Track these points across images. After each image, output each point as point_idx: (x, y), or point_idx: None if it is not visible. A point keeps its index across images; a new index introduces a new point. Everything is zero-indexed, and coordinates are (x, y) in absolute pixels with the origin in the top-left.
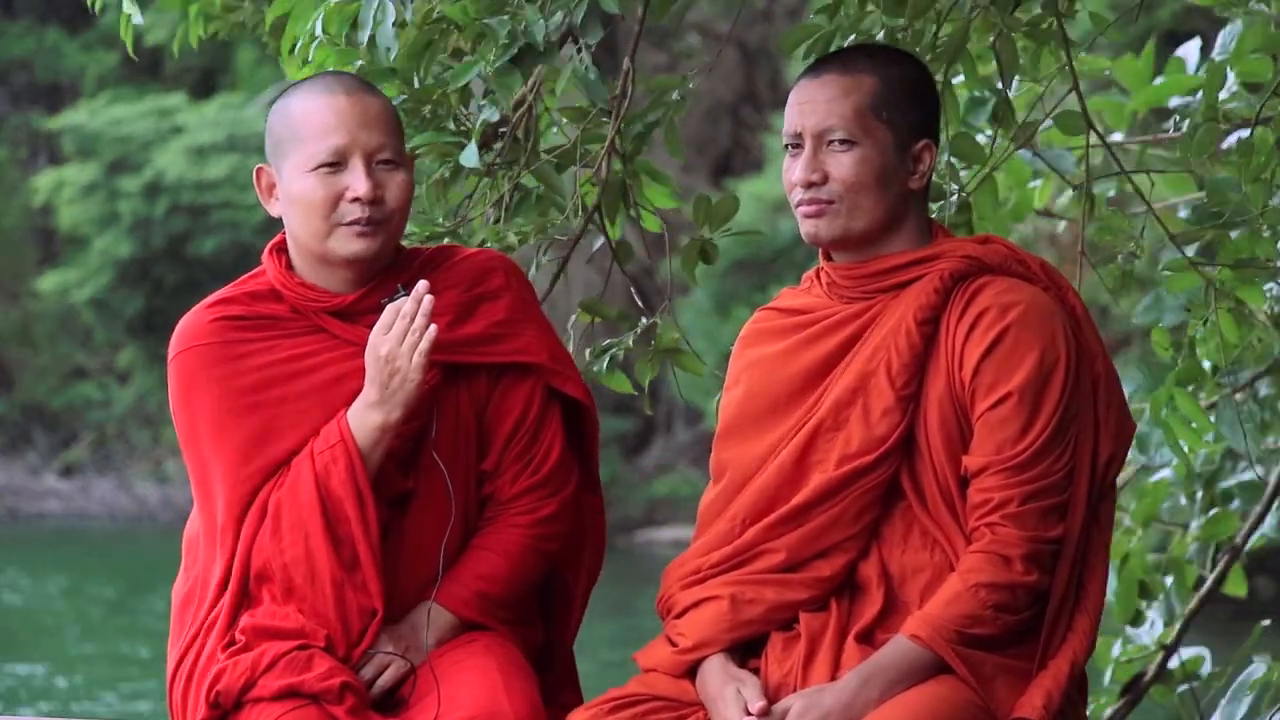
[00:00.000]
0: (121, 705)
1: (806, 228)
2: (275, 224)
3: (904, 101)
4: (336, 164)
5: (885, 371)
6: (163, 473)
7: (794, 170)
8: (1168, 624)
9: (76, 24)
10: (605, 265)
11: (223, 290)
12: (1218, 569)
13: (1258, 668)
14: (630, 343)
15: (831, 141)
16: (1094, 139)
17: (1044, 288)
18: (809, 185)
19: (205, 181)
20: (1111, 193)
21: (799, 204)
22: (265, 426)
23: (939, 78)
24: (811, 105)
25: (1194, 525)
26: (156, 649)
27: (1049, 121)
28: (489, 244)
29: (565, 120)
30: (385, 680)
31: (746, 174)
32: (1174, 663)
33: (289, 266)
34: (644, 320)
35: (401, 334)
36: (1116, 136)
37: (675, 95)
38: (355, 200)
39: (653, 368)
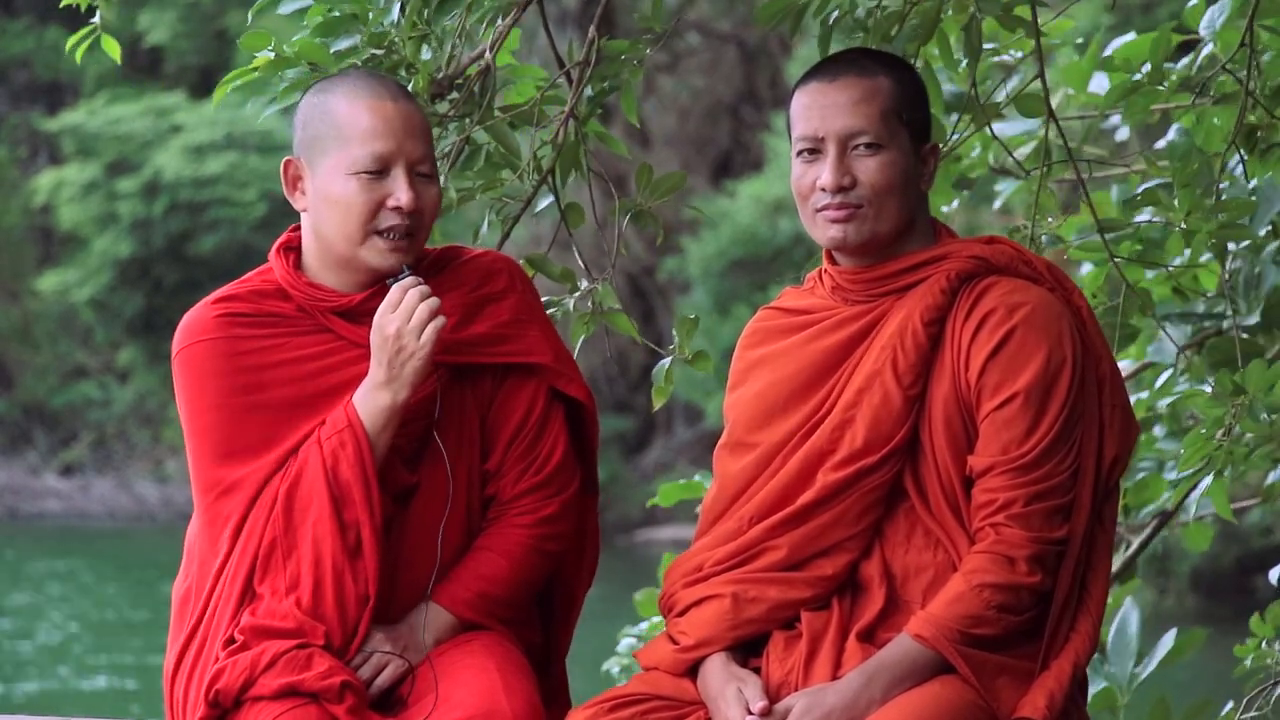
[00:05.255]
0: (120, 703)
1: (833, 232)
2: (274, 221)
3: (915, 104)
4: (379, 171)
5: (892, 371)
6: (163, 472)
7: (817, 174)
8: None
9: (76, 22)
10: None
11: (227, 287)
12: (1144, 534)
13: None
14: (571, 305)
15: (858, 145)
16: (1055, 130)
17: (1050, 289)
18: (840, 189)
19: (203, 179)
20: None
21: (824, 208)
22: (271, 425)
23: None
24: (834, 109)
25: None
26: (156, 647)
27: (1014, 103)
28: None
29: (518, 71)
30: (383, 680)
31: (746, 174)
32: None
33: (297, 265)
34: (583, 284)
35: (409, 311)
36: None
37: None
38: (396, 209)
39: (588, 328)
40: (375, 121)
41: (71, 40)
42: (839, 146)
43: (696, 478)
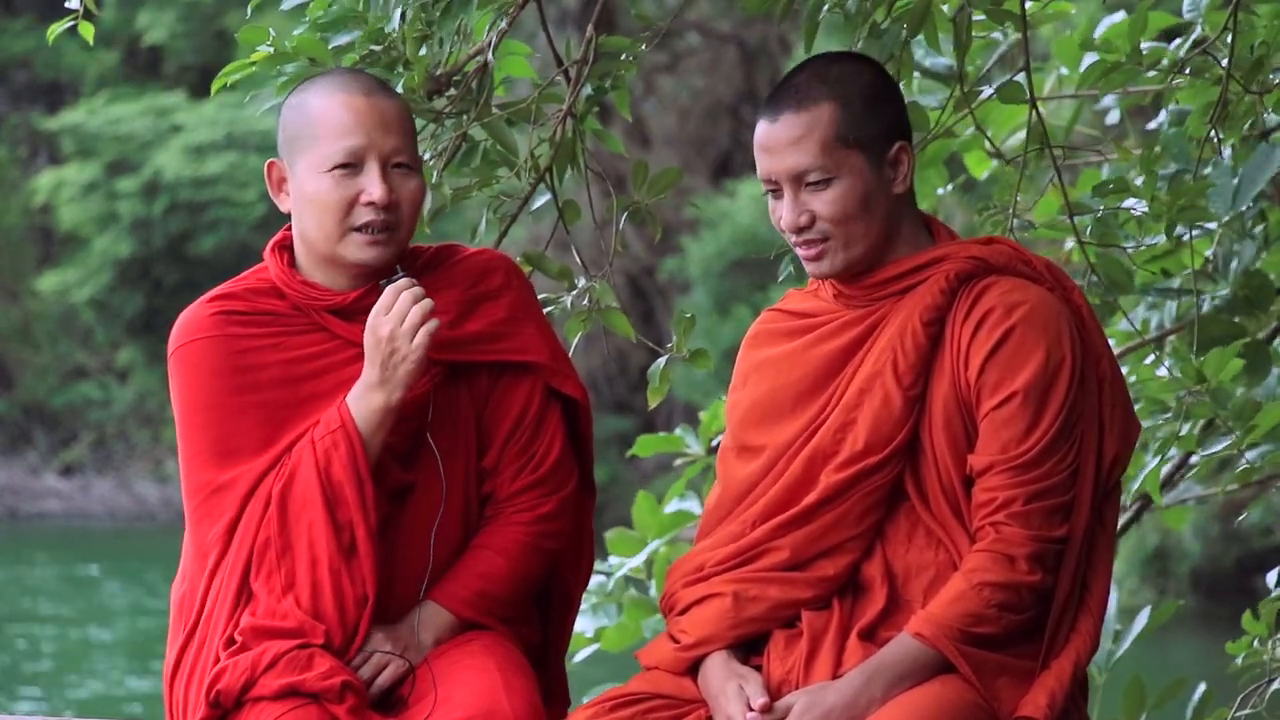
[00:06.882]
0: (120, 703)
1: (811, 269)
2: (274, 222)
3: (867, 116)
4: (352, 165)
5: (892, 372)
6: (162, 472)
7: (780, 213)
8: None
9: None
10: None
11: (223, 286)
12: (1126, 515)
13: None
14: (569, 303)
15: (808, 182)
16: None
17: (1049, 288)
18: (799, 229)
19: (203, 179)
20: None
21: (795, 245)
22: (266, 424)
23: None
24: (778, 150)
25: None
26: (156, 648)
27: (996, 92)
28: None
29: (520, 63)
30: (383, 680)
31: (746, 174)
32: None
33: (291, 264)
34: (581, 281)
35: (402, 314)
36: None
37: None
38: (369, 204)
39: (585, 326)
40: (346, 116)
41: (52, 29)
42: (792, 186)
43: (677, 431)
